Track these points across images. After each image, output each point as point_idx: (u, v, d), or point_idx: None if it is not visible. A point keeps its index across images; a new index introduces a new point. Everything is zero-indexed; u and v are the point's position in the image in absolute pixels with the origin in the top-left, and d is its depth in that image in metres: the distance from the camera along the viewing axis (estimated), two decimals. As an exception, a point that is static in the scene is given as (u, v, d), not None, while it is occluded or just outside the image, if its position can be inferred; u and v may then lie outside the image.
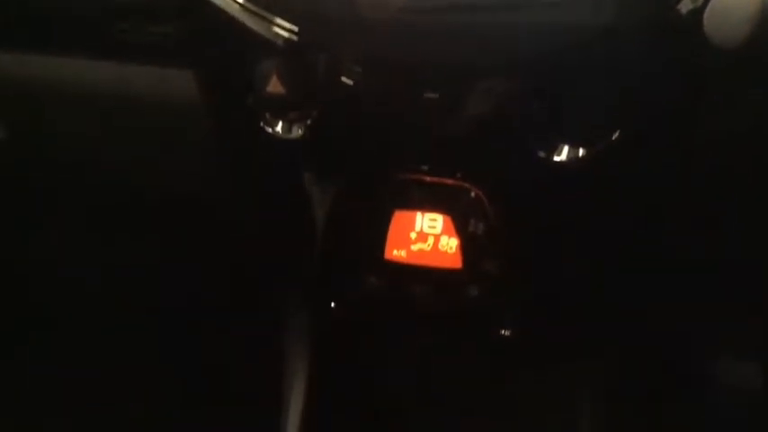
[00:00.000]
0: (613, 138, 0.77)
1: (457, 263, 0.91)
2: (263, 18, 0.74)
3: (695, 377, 0.94)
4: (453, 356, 1.03)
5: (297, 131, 0.82)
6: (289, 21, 0.73)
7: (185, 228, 0.95)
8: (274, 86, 0.77)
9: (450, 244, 0.91)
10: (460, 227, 0.90)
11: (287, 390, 0.92)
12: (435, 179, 0.89)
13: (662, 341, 0.94)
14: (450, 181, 0.89)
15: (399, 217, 0.91)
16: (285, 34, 0.74)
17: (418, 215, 0.91)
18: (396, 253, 0.92)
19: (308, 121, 0.82)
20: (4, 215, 0.98)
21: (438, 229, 0.91)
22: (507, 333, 0.92)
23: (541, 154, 0.80)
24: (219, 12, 0.75)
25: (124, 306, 1.01)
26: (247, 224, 0.91)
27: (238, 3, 0.74)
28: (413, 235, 0.91)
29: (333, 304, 0.94)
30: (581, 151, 0.78)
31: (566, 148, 0.79)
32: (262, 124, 0.83)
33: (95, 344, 1.00)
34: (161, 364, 0.99)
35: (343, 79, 0.76)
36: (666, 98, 0.74)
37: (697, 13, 0.64)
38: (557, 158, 0.80)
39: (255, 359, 0.96)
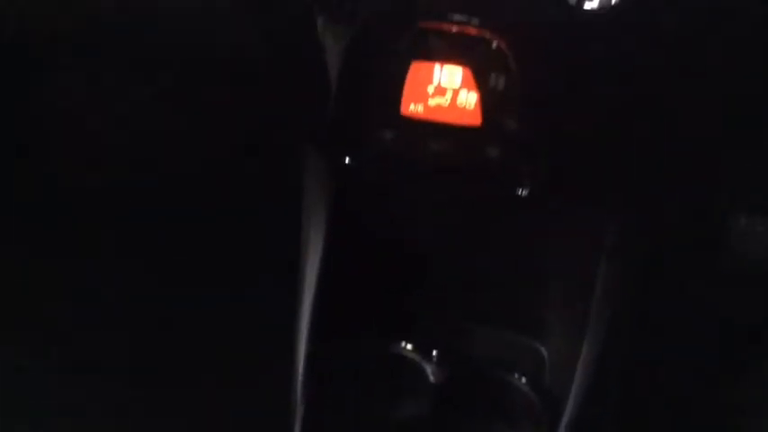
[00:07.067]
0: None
1: (476, 120, 0.87)
2: None
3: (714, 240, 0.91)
4: (469, 216, 1.01)
5: None
6: None
7: (193, 79, 0.91)
8: None
9: (470, 99, 0.87)
10: (481, 80, 0.85)
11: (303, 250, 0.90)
12: (456, 28, 0.84)
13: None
14: (471, 30, 0.83)
15: (416, 68, 0.87)
16: None
17: (436, 67, 0.86)
18: (412, 108, 0.88)
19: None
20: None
21: (457, 83, 0.87)
22: (525, 193, 0.89)
23: (571, 1, 0.74)
24: None
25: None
26: (256, 70, 0.87)
27: None
28: (430, 89, 0.87)
29: (347, 159, 0.91)
30: (614, -2, 0.73)
31: (598, -6, 0.74)
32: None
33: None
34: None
35: None
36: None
37: None
38: (588, 6, 0.75)
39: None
